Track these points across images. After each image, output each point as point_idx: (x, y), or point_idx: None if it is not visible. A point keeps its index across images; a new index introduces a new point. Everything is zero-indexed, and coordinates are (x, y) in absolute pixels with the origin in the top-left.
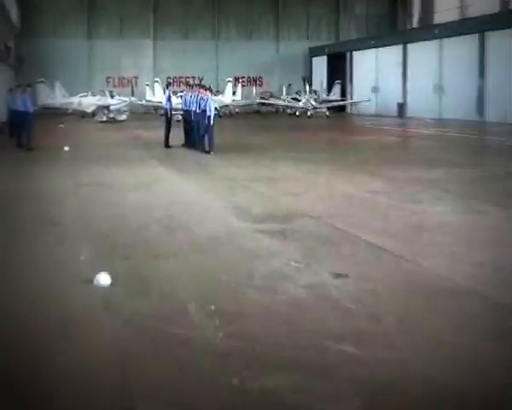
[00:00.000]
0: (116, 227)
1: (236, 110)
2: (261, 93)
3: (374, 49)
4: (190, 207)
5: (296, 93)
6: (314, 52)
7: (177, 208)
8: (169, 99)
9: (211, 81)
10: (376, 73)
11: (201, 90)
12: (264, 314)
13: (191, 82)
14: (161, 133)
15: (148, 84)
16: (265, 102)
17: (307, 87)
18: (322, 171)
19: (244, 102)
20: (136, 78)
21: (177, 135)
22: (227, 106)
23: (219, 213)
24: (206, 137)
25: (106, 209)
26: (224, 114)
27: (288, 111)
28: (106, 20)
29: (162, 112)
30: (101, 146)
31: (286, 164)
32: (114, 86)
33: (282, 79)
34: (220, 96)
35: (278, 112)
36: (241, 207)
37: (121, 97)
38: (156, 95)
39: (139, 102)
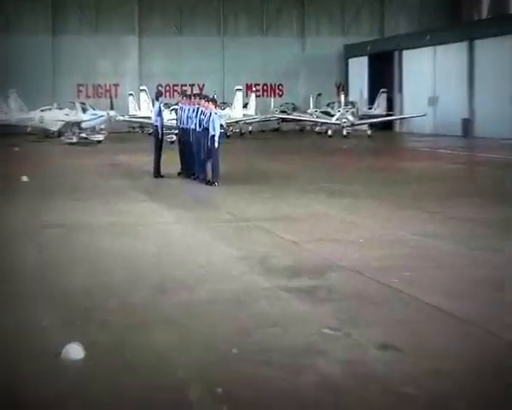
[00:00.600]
0: (90, 285)
1: (249, 128)
2: (281, 106)
3: (430, 48)
4: (189, 257)
5: (328, 105)
6: (351, 51)
7: (171, 259)
8: (159, 114)
9: (215, 90)
10: (434, 80)
11: (202, 102)
12: (286, 402)
13: (189, 91)
14: (150, 159)
15: (131, 94)
16: (287, 117)
17: (342, 98)
18: (363, 208)
19: (259, 117)
20: (116, 86)
21: (172, 161)
22: (236, 123)
23: (228, 265)
24: (208, 164)
25: (76, 260)
26: (233, 133)
27: (318, 129)
28: (76, 11)
29: (151, 131)
30: (71, 175)
31: (314, 199)
32: (88, 97)
33: (308, 86)
34: (227, 110)
35: (304, 130)
36: (257, 257)
37: (97, 111)
38: (143, 108)
39: (120, 118)
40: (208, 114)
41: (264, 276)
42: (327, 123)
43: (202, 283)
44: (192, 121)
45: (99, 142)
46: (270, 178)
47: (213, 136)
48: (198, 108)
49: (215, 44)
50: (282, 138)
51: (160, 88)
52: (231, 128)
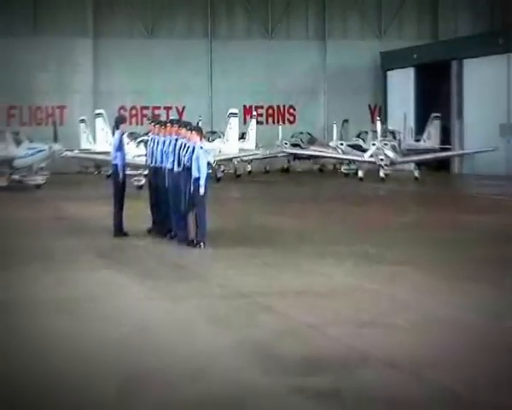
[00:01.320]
0: (28, 386)
1: (248, 168)
2: (293, 136)
3: (503, 56)
4: (167, 346)
5: (358, 136)
6: (391, 61)
7: (142, 348)
8: (120, 148)
9: (200, 115)
10: (508, 99)
11: (183, 132)
12: None
13: (163, 117)
14: (109, 210)
15: (83, 121)
16: (301, 152)
17: (379, 126)
18: (406, 278)
19: (261, 152)
20: (62, 108)
21: (139, 213)
22: (230, 160)
23: (220, 357)
24: (191, 218)
25: (10, 351)
26: (226, 174)
27: (344, 169)
28: (7, 3)
29: (109, 171)
30: (0, 234)
31: (337, 266)
32: (23, 124)
33: (331, 110)
34: (217, 143)
35: (324, 171)
36: (259, 345)
37: (35, 144)
38: (99, 140)
39: (68, 154)
40: (191, 148)
41: (270, 373)
42: (357, 161)
43: (185, 381)
44: (168, 158)
45: (38, 186)
46: (276, 237)
47: (198, 179)
48: (176, 140)
49: (199, 50)
50: (293, 182)
51: (122, 112)
52: (223, 168)
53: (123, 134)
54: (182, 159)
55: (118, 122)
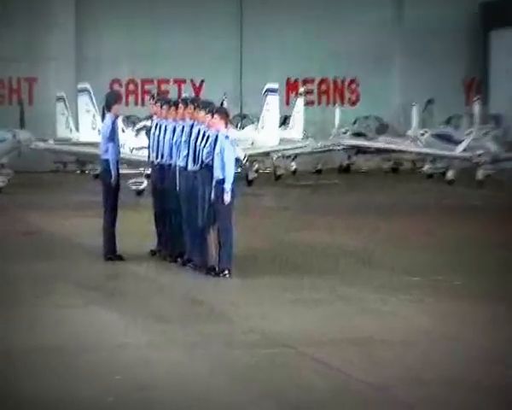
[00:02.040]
0: None
1: (291, 166)
2: (356, 122)
3: None
4: None
5: (447, 123)
6: (496, 16)
7: None
8: (112, 137)
9: (225, 93)
10: None
11: (201, 116)
12: None
13: (173, 94)
14: (96, 223)
15: (61, 99)
16: (366, 144)
17: (476, 108)
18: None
19: (311, 144)
20: (32, 81)
21: (140, 227)
22: (267, 155)
23: None
24: (210, 236)
25: None
26: (260, 175)
27: (427, 168)
28: None
29: (98, 170)
30: None
31: (414, 302)
32: None
33: (409, 85)
34: (250, 131)
35: (399, 170)
36: None
37: None
38: (83, 126)
39: (39, 145)
40: (212, 138)
41: None
42: (445, 157)
43: None
44: (180, 153)
45: None
46: (328, 263)
47: (222, 181)
48: (192, 127)
49: (225, 1)
50: (354, 187)
51: (115, 87)
52: (257, 166)
53: (116, 118)
54: (199, 153)
55: (109, 102)
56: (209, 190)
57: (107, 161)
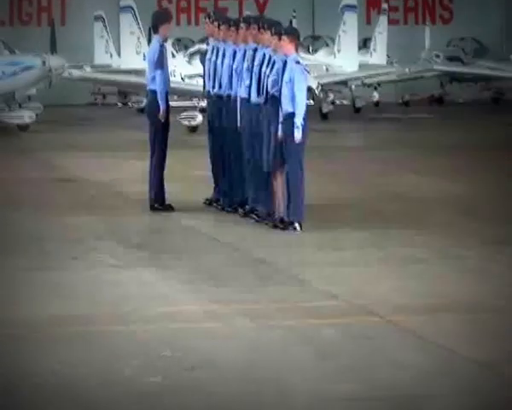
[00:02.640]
0: None
1: (374, 96)
2: (450, 44)
3: None
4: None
5: None
6: None
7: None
8: (160, 63)
9: (294, 10)
10: None
11: (266, 37)
12: None
13: (229, 12)
14: (140, 166)
15: (99, 18)
16: (462, 70)
17: None
18: None
19: (397, 71)
20: None
21: (193, 172)
22: (345, 84)
23: None
24: (278, 182)
25: None
26: (337, 107)
27: None
28: None
29: (143, 102)
30: None
31: None
32: (1, 24)
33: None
34: (324, 55)
35: (501, 100)
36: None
37: (19, 57)
38: (126, 51)
39: (74, 73)
40: (280, 64)
41: None
42: None
43: None
44: (241, 82)
45: (24, 127)
46: (420, 212)
47: (291, 115)
48: (255, 51)
49: None
50: (449, 120)
51: (164, 4)
52: (332, 97)
53: (165, 41)
54: (264, 82)
55: (157, 21)
56: (276, 126)
57: (154, 91)
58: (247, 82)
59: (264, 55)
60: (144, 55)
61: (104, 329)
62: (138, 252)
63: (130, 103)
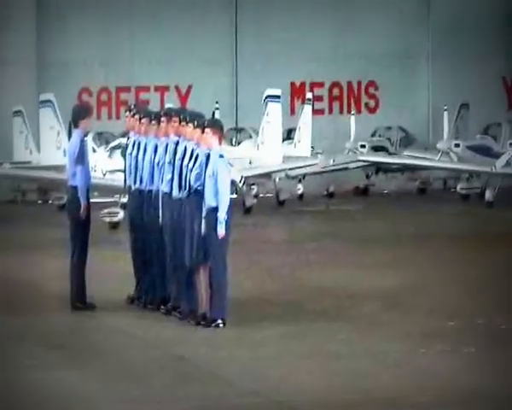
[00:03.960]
0: None
1: (298, 189)
2: (375, 134)
3: None
4: None
5: (486, 132)
6: None
7: None
8: (81, 159)
9: (216, 102)
10: None
11: (188, 130)
12: None
13: (154, 105)
14: (61, 264)
15: (18, 113)
16: (388, 161)
17: None
18: None
19: (321, 162)
20: None
21: (115, 269)
22: (268, 176)
23: None
24: (200, 278)
25: None
26: (260, 200)
27: (462, 188)
28: None
29: (63, 199)
30: None
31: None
32: None
33: (439, 87)
34: (247, 147)
35: (427, 190)
36: None
37: None
38: (45, 146)
39: None
40: (202, 158)
41: None
42: (483, 173)
43: None
44: (163, 176)
45: None
46: (349, 307)
47: (215, 210)
48: (177, 145)
49: None
50: (374, 212)
51: (84, 98)
52: (256, 190)
53: (85, 136)
54: (187, 176)
55: (77, 116)
56: (199, 221)
57: (74, 187)
58: (169, 176)
59: (186, 148)
60: (64, 151)
61: None
62: (57, 353)
63: (50, 200)
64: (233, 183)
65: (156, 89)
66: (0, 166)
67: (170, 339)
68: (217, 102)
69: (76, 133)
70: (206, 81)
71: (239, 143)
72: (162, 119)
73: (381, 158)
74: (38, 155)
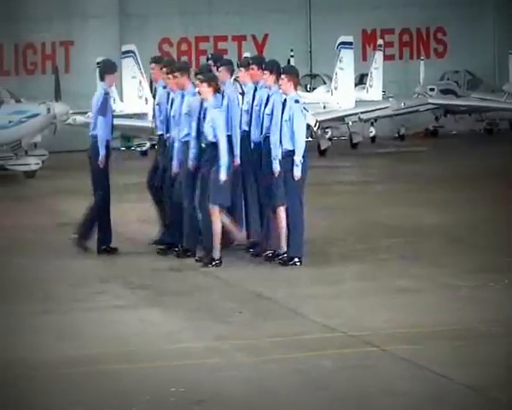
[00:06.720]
0: None
1: (370, 131)
2: (443, 78)
3: None
4: None
5: None
6: None
7: None
8: (102, 111)
9: (291, 50)
10: None
11: (265, 77)
12: None
13: (235, 54)
14: (140, 207)
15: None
16: (456, 103)
17: None
18: None
19: (393, 106)
20: (68, 45)
21: None
22: (342, 120)
23: None
24: (278, 217)
25: None
26: (333, 142)
27: None
28: None
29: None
30: None
31: None
32: (4, 73)
33: (503, 33)
34: (321, 92)
35: (494, 131)
36: None
37: (24, 106)
38: (128, 95)
39: (78, 120)
40: (278, 100)
41: None
42: None
43: None
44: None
45: (30, 174)
46: (419, 243)
47: (291, 153)
48: (255, 89)
49: None
50: (444, 152)
51: (165, 48)
52: (329, 133)
53: (109, 89)
54: (259, 117)
55: (103, 70)
56: (269, 164)
57: (95, 137)
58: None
59: (261, 86)
60: (146, 99)
61: (111, 368)
62: (141, 292)
63: (133, 147)
64: (308, 127)
65: (233, 38)
66: (85, 115)
67: (248, 278)
68: (292, 50)
69: (100, 86)
70: (282, 30)
71: (313, 89)
72: (250, 66)
73: (449, 100)
74: (121, 103)
